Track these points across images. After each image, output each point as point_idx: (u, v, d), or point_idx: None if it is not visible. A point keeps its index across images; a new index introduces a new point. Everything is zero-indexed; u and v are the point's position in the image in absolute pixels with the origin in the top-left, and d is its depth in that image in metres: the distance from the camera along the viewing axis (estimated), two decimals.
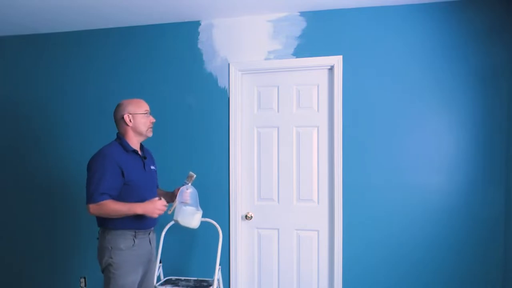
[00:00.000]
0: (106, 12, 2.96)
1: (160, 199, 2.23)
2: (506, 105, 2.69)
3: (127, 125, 2.25)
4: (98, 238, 2.26)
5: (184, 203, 2.32)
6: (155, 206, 2.18)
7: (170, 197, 2.44)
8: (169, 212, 2.33)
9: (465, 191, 2.75)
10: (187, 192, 2.33)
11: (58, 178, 3.39)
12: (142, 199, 2.23)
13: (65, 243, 3.40)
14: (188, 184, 2.36)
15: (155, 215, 2.21)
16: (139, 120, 2.26)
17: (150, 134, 2.33)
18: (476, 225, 2.73)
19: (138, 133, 2.29)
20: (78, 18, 3.08)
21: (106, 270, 2.18)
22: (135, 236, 2.21)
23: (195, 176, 2.38)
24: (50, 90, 3.42)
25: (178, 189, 2.38)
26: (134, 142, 2.29)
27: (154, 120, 2.33)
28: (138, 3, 2.81)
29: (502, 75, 2.69)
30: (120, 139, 2.27)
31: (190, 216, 2.33)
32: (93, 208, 2.12)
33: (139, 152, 2.32)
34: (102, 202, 2.11)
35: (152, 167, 2.40)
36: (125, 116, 2.24)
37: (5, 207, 3.55)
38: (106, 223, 2.18)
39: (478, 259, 2.73)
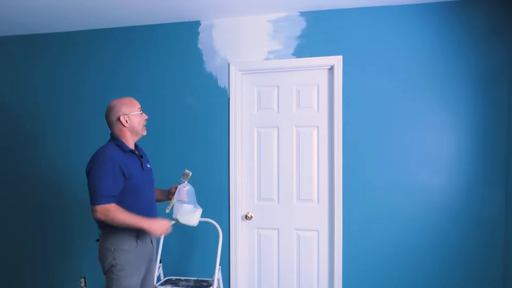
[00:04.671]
0: (106, 12, 2.96)
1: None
2: (506, 105, 2.69)
3: (124, 126, 2.23)
4: (98, 240, 2.26)
5: (181, 201, 2.32)
6: (161, 225, 2.19)
7: (166, 195, 2.46)
8: (167, 211, 2.35)
9: (465, 191, 2.75)
10: (184, 190, 2.34)
11: (57, 178, 3.39)
12: (142, 199, 2.24)
13: (65, 243, 3.40)
14: (184, 182, 2.37)
15: (158, 234, 2.21)
16: (134, 119, 2.25)
17: (145, 133, 2.32)
18: (476, 225, 2.73)
19: (135, 132, 2.28)
20: (78, 18, 3.08)
21: (109, 271, 2.17)
22: (137, 237, 2.20)
23: (191, 174, 2.39)
24: (50, 90, 3.41)
25: (175, 187, 2.40)
26: (130, 142, 2.28)
27: (147, 117, 2.32)
28: (138, 3, 2.80)
29: (502, 75, 2.69)
30: (116, 140, 2.24)
31: (190, 214, 2.33)
32: (100, 211, 2.09)
33: (136, 152, 2.31)
34: (108, 206, 2.09)
35: (148, 166, 2.40)
36: (121, 118, 2.21)
37: (5, 207, 3.55)
38: (106, 225, 2.16)
39: (478, 259, 2.73)
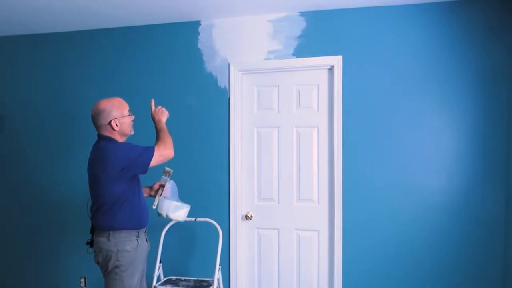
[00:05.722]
0: (106, 12, 2.96)
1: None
2: (506, 105, 2.68)
3: (114, 129, 2.23)
4: (88, 243, 2.29)
5: (166, 198, 2.40)
6: (164, 112, 2.43)
7: (148, 192, 2.51)
8: (154, 207, 2.40)
9: (465, 191, 2.75)
10: (168, 186, 2.43)
11: (57, 177, 3.39)
12: (141, 196, 2.30)
13: (65, 243, 3.40)
14: (167, 179, 2.45)
15: (167, 114, 2.46)
16: (125, 122, 2.26)
17: (132, 132, 2.34)
18: (476, 225, 2.73)
19: (125, 135, 2.30)
20: (78, 18, 3.08)
21: (111, 272, 2.19)
22: (138, 236, 2.24)
23: (172, 171, 2.45)
24: (50, 90, 3.41)
25: (159, 184, 2.48)
26: (121, 141, 2.30)
27: (134, 117, 2.33)
28: (138, 3, 2.80)
29: (502, 75, 2.69)
30: (110, 140, 2.23)
31: (178, 209, 2.41)
32: (158, 154, 2.19)
33: None
34: (157, 150, 2.20)
35: None
36: (112, 122, 2.21)
37: (5, 207, 3.55)
38: (111, 226, 2.18)
39: (478, 259, 2.73)
